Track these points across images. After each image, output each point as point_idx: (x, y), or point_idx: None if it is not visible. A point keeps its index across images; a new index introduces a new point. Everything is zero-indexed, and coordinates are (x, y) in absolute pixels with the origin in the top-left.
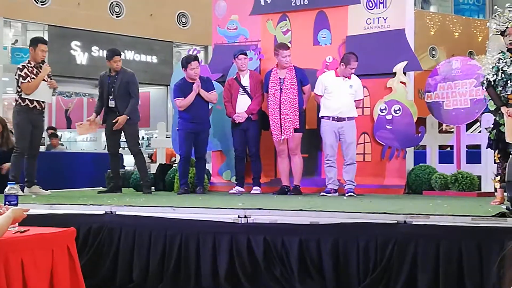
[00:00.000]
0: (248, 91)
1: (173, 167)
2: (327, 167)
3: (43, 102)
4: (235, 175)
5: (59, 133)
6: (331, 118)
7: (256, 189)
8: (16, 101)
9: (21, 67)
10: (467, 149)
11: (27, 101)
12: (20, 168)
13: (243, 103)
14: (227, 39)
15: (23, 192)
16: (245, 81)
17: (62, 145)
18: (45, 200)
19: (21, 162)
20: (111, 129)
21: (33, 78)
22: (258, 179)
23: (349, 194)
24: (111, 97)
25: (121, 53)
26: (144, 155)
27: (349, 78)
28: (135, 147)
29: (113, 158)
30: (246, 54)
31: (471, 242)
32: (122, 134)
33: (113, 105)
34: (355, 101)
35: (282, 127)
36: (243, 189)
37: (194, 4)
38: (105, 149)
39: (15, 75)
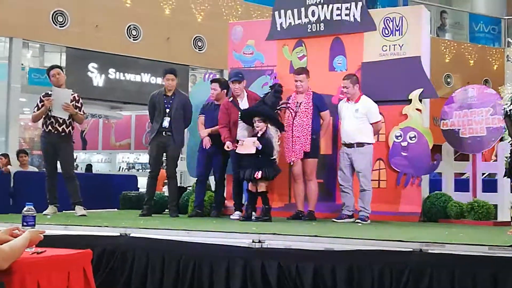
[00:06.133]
0: None
1: (187, 190)
2: (342, 193)
3: (66, 127)
4: (233, 199)
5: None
6: (343, 144)
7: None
8: None
9: (41, 96)
10: (483, 178)
11: (44, 126)
12: (51, 190)
13: (243, 127)
14: (243, 63)
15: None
16: (244, 104)
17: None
18: (61, 221)
19: (51, 185)
20: (157, 149)
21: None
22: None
23: (357, 221)
24: (166, 117)
25: (175, 73)
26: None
27: (356, 102)
28: (173, 170)
29: (154, 180)
30: (239, 81)
31: (487, 272)
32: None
33: (167, 126)
34: (371, 124)
35: (293, 150)
36: (241, 213)
37: (210, 29)
38: (119, 170)
39: None
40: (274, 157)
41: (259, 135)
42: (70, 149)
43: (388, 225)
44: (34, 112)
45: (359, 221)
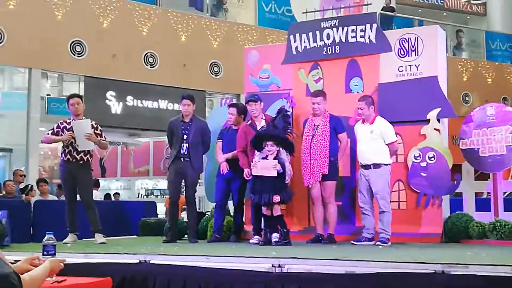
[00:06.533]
0: None
1: (206, 215)
2: (362, 215)
3: (84, 155)
4: (252, 223)
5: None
6: (361, 166)
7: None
8: None
9: (59, 122)
10: (504, 197)
11: (63, 155)
12: (71, 218)
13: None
14: (259, 87)
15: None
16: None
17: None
18: (81, 249)
19: (71, 213)
20: (175, 175)
21: (57, 133)
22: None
23: (378, 243)
24: (184, 143)
25: (192, 99)
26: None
27: (371, 123)
28: (192, 196)
29: (175, 206)
30: (255, 101)
31: None
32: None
33: (185, 152)
34: (387, 145)
35: (311, 172)
36: (260, 237)
37: (226, 54)
38: (139, 197)
39: None
40: (287, 181)
41: (270, 158)
42: (89, 177)
43: (409, 247)
44: (47, 134)
45: (379, 243)
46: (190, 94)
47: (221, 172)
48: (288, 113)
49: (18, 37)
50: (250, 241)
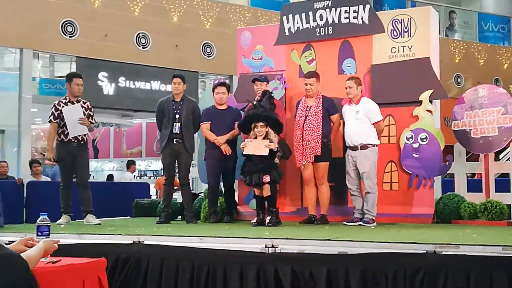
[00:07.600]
0: None
1: (199, 196)
2: (351, 196)
3: (84, 135)
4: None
5: None
6: (348, 147)
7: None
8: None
9: (56, 104)
10: (496, 178)
11: (62, 136)
12: (66, 200)
13: None
14: (252, 68)
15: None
16: None
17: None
18: (75, 230)
19: (66, 194)
20: (170, 157)
21: (58, 116)
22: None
23: (360, 223)
24: (176, 122)
25: (183, 78)
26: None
27: (356, 103)
28: (186, 178)
29: (170, 188)
30: (261, 81)
31: (502, 272)
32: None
33: (178, 132)
34: (373, 124)
35: (303, 153)
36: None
37: (219, 35)
38: (135, 178)
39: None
40: (277, 161)
41: (259, 140)
42: (87, 157)
43: (401, 227)
44: (50, 121)
45: (362, 223)
46: (180, 74)
47: (225, 153)
48: (272, 94)
49: (9, 18)
50: (252, 221)
